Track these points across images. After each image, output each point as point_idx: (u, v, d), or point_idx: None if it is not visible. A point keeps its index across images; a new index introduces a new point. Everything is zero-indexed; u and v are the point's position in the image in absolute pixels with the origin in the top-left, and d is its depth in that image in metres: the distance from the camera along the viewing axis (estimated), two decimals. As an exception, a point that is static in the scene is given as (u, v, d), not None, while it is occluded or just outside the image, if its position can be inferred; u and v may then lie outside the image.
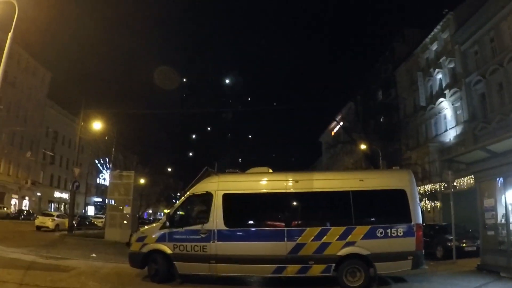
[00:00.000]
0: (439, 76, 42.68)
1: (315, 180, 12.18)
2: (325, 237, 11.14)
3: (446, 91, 40.70)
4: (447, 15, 40.28)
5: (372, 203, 11.81)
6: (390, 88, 53.71)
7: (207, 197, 12.06)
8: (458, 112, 39.10)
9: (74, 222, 33.24)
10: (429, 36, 44.14)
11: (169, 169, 57.50)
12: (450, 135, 39.83)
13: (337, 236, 11.11)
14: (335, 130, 70.09)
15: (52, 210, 60.51)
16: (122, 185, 27.55)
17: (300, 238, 11.20)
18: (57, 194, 71.79)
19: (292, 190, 11.99)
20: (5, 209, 49.74)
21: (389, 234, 11.05)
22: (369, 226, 11.17)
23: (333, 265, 10.97)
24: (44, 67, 65.70)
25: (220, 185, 12.15)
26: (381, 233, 11.05)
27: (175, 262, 11.63)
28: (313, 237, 11.16)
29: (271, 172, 13.14)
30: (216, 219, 11.62)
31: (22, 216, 50.59)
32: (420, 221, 11.46)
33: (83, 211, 69.24)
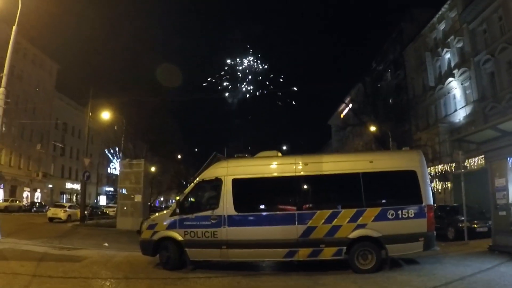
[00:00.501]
0: (448, 55, 42.25)
1: (325, 163, 12.07)
2: (336, 219, 11.07)
3: (455, 71, 40.31)
4: (454, -7, 39.79)
5: (382, 184, 11.70)
6: (398, 69, 53.33)
7: (216, 183, 12.01)
8: (467, 92, 38.73)
9: (86, 213, 33.52)
10: (437, 16, 43.62)
11: (179, 156, 57.50)
12: (460, 115, 39.52)
13: (348, 219, 11.05)
14: (344, 112, 69.76)
15: (64, 201, 61.13)
16: (133, 173, 27.65)
17: (310, 221, 11.14)
18: (68, 185, 72.40)
19: (301, 173, 11.91)
20: (17, 202, 50.20)
21: (400, 216, 10.97)
22: (380, 208, 11.09)
23: (345, 248, 10.92)
24: (51, 59, 65.90)
25: (229, 170, 12.10)
26: (392, 214, 10.97)
27: (186, 249, 11.63)
28: (323, 220, 11.10)
29: (280, 156, 13.08)
30: (226, 204, 11.59)
31: (34, 208, 51.09)
32: (431, 202, 11.36)
33: (95, 201, 69.74)
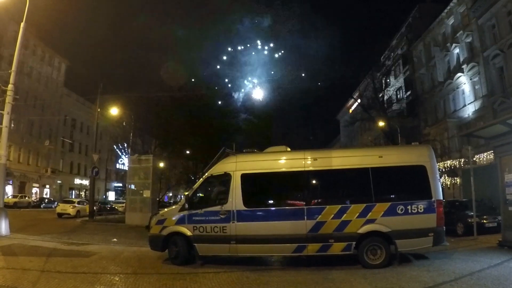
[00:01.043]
0: (457, 50, 42.09)
1: (334, 158, 12.03)
2: (345, 215, 11.05)
3: (464, 66, 40.14)
4: (463, -12, 39.56)
5: (391, 179, 11.66)
6: (407, 64, 53.11)
7: (225, 178, 12.02)
8: (476, 87, 38.57)
9: (94, 208, 33.63)
10: (445, 10, 43.43)
11: (187, 151, 57.40)
12: (469, 110, 39.37)
13: (357, 214, 11.02)
14: (352, 107, 69.53)
15: (73, 197, 61.35)
16: (141, 169, 27.72)
17: (320, 216, 11.13)
18: (77, 181, 72.76)
19: (311, 168, 11.88)
20: (26, 198, 50.48)
21: (409, 211, 10.93)
22: (389, 203, 11.05)
23: (354, 243, 10.90)
24: (60, 56, 66.13)
25: (238, 165, 12.09)
26: (402, 210, 10.93)
27: (195, 244, 11.65)
28: (333, 215, 11.08)
29: (289, 151, 13.04)
30: (235, 200, 11.59)
31: (43, 204, 51.35)
32: (441, 197, 11.30)
33: (104, 196, 70.05)
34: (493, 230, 17.15)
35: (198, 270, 11.05)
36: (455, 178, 39.00)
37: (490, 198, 19.64)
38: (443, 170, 38.25)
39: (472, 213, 17.72)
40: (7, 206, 23.57)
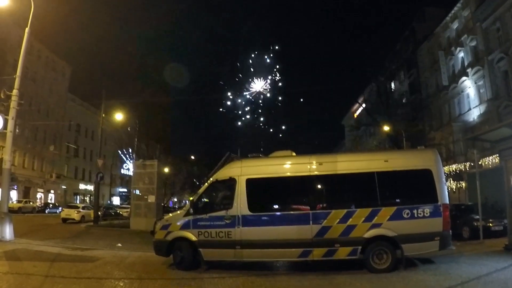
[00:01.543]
0: (461, 54, 42.01)
1: (339, 162, 11.98)
2: (350, 219, 11.00)
3: (469, 70, 40.08)
4: (467, -8, 39.52)
5: (397, 183, 11.62)
6: (411, 68, 53.06)
7: (230, 183, 11.98)
8: (481, 91, 38.49)
9: (99, 213, 33.67)
10: (450, 15, 43.40)
11: (192, 157, 57.61)
12: (474, 114, 39.26)
13: (363, 218, 10.96)
14: (357, 112, 69.48)
15: (78, 202, 61.45)
16: (146, 174, 27.73)
17: (325, 221, 11.07)
18: (82, 186, 72.90)
19: (316, 172, 11.84)
20: (31, 203, 50.56)
21: (415, 215, 10.87)
22: (395, 207, 10.99)
23: (360, 247, 10.84)
24: (64, 61, 66.40)
25: (243, 170, 12.05)
26: (408, 214, 10.88)
27: (200, 249, 11.59)
28: (338, 220, 11.03)
29: (294, 156, 12.99)
30: (240, 204, 11.54)
31: (48, 209, 51.42)
32: (447, 201, 11.24)
33: (108, 201, 70.15)
34: (499, 233, 17.07)
35: (203, 275, 11.02)
36: (461, 182, 38.87)
37: (497, 202, 19.59)
38: (449, 174, 38.11)
39: (478, 217, 17.65)
40: (11, 211, 23.58)
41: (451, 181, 38.89)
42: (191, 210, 11.93)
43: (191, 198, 13.26)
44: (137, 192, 28.13)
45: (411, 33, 53.22)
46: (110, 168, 62.35)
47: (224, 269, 11.73)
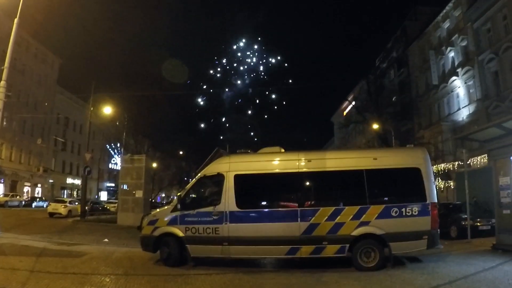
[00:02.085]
0: (452, 54, 42.22)
1: (328, 159, 11.97)
2: (339, 217, 10.98)
3: (459, 70, 40.30)
4: (459, -8, 39.67)
5: (386, 182, 11.62)
6: (402, 67, 53.26)
7: (218, 178, 11.90)
8: (471, 91, 38.72)
9: (86, 208, 33.38)
10: (441, 14, 43.59)
11: (181, 152, 57.41)
12: (463, 113, 39.50)
13: (351, 216, 10.95)
14: (347, 110, 69.70)
15: (65, 196, 60.95)
16: (134, 169, 27.53)
17: (313, 218, 11.04)
18: (69, 180, 72.37)
19: (305, 169, 11.79)
20: (17, 197, 50.06)
21: (403, 213, 10.88)
22: (384, 206, 11.00)
23: (347, 245, 10.83)
24: (53, 54, 65.76)
25: (232, 166, 11.97)
26: (396, 212, 10.88)
27: (187, 245, 11.53)
28: (326, 217, 11.00)
29: (283, 152, 12.94)
30: (228, 201, 11.47)
31: (35, 203, 50.96)
32: (435, 200, 11.27)
33: (96, 196, 69.70)
34: (487, 233, 17.10)
35: (190, 272, 10.93)
36: (449, 181, 39.09)
37: (486, 201, 19.65)
38: (437, 173, 38.30)
39: (465, 216, 17.70)
40: (-3, 205, 23.32)
41: (439, 180, 39.11)
42: (179, 206, 11.86)
43: (178, 194, 13.14)
44: (125, 187, 27.89)
45: (403, 32, 53.43)
46: (98, 162, 61.88)
47: (211, 266, 11.63)
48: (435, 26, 45.26)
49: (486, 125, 16.21)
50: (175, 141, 50.67)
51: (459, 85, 40.52)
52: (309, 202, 11.51)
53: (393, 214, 10.88)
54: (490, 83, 35.52)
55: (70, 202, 36.64)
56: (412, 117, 49.12)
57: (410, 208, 10.89)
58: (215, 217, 11.40)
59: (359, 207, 11.01)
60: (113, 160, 68.62)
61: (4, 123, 39.97)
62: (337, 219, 10.96)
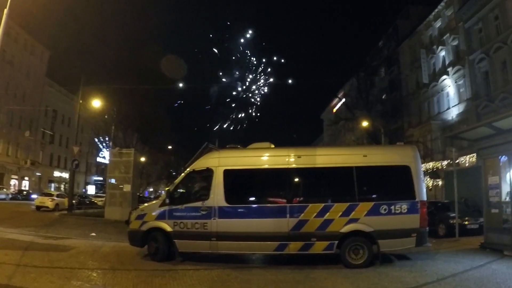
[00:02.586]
0: (442, 53, 42.34)
1: (318, 156, 11.93)
2: (328, 213, 10.95)
3: (449, 69, 40.44)
4: (451, -9, 39.78)
5: (375, 179, 11.63)
6: (392, 65, 53.37)
7: (207, 173, 11.83)
8: (461, 90, 38.90)
9: (74, 202, 33.17)
10: (433, 13, 43.70)
11: (169, 147, 57.25)
12: (453, 112, 39.68)
13: (340, 213, 10.93)
14: (337, 107, 69.79)
15: (52, 189, 60.49)
16: (122, 163, 27.34)
17: (302, 214, 11.01)
18: (57, 174, 71.83)
19: (294, 165, 11.76)
20: (4, 189, 49.64)
21: (392, 211, 10.88)
22: (373, 203, 11.00)
23: (336, 242, 10.81)
24: (43, 45, 65.07)
25: (221, 161, 11.91)
26: (385, 209, 10.88)
27: (175, 240, 11.45)
28: (315, 214, 10.97)
29: (273, 148, 12.86)
30: (217, 196, 11.41)
31: (22, 196, 50.53)
32: (425, 198, 11.30)
33: (83, 190, 69.36)
34: (475, 231, 17.20)
35: (178, 267, 10.88)
36: (437, 180, 39.29)
37: (474, 200, 19.75)
38: (425, 171, 38.45)
39: (453, 215, 17.77)
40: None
41: (428, 179, 39.28)
42: (167, 200, 11.77)
43: (167, 188, 13.04)
44: (113, 181, 27.70)
45: (394, 30, 53.51)
46: (86, 156, 61.48)
47: (199, 261, 11.59)
48: (427, 25, 45.36)
49: (476, 124, 16.29)
50: (164, 135, 50.50)
51: (449, 84, 40.67)
52: (298, 198, 11.45)
53: (382, 211, 10.87)
54: (480, 83, 35.69)
55: (57, 196, 36.43)
56: (401, 115, 49.27)
57: (399, 206, 10.90)
58: (203, 212, 11.33)
59: (348, 204, 11.00)
60: (101, 154, 68.15)
61: (-8, 114, 39.61)
62: (326, 216, 10.94)
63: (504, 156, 13.05)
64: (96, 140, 52.61)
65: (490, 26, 34.36)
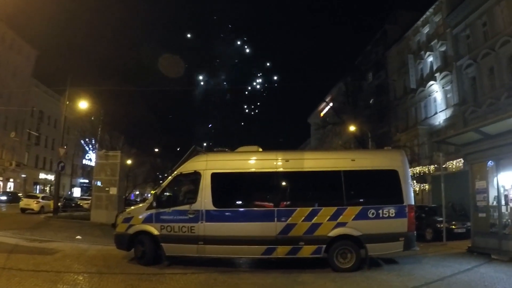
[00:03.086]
0: (430, 59, 42.65)
1: (306, 160, 11.93)
2: (315, 217, 10.94)
3: (437, 74, 40.75)
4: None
5: (363, 183, 11.65)
6: (380, 70, 53.65)
7: (195, 177, 11.76)
8: (448, 96, 39.20)
9: (59, 204, 32.81)
10: (421, 19, 44.02)
11: (156, 150, 56.94)
12: (440, 118, 39.96)
13: (328, 217, 10.93)
14: (324, 111, 69.94)
15: (38, 192, 59.85)
16: (108, 165, 27.09)
17: (290, 218, 10.98)
18: (42, 176, 71.04)
19: (282, 169, 11.73)
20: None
21: (380, 215, 10.92)
22: (361, 207, 11.02)
23: (324, 246, 10.80)
24: (30, 45, 64.42)
25: (209, 164, 11.84)
26: (373, 214, 10.92)
27: (162, 244, 11.34)
28: (303, 218, 10.95)
29: (260, 151, 12.81)
30: (204, 199, 11.34)
31: (6, 198, 49.90)
32: (412, 202, 11.38)
33: (69, 192, 68.60)
34: (462, 236, 17.35)
35: (165, 271, 10.77)
36: (424, 184, 39.53)
37: (462, 204, 19.90)
38: (413, 176, 38.62)
39: (441, 219, 17.87)
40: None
41: (415, 183, 39.49)
42: (154, 204, 11.70)
43: (154, 191, 12.94)
44: (99, 183, 27.45)
45: (383, 35, 53.80)
46: (72, 157, 60.93)
47: (186, 265, 11.48)
48: (415, 30, 45.68)
49: (464, 129, 16.42)
50: (151, 138, 50.26)
51: (436, 90, 40.97)
52: (286, 202, 11.44)
53: (370, 215, 10.90)
54: (468, 89, 36.01)
55: (42, 198, 36.10)
56: (389, 120, 49.49)
57: (387, 210, 10.94)
58: (191, 216, 11.25)
59: (336, 208, 11.00)
60: (88, 156, 67.71)
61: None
62: (314, 220, 10.93)
63: (491, 161, 13.17)
64: (82, 142, 52.22)
65: (478, 32, 34.69)
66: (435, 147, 36.17)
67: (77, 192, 75.81)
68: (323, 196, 11.69)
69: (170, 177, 12.66)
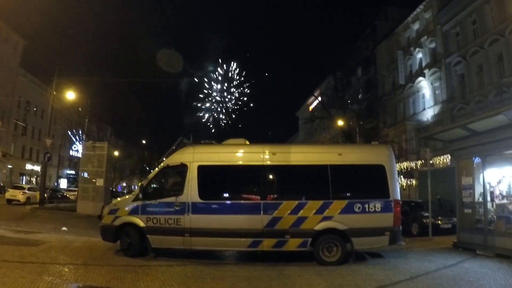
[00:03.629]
0: (419, 55, 42.88)
1: (293, 153, 11.93)
2: (302, 211, 10.96)
3: (426, 71, 40.95)
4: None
5: (350, 177, 11.69)
6: (370, 65, 53.81)
7: (181, 169, 11.71)
8: (436, 92, 39.43)
9: (45, 195, 32.56)
10: (412, 15, 44.19)
11: (143, 141, 56.76)
12: (428, 114, 40.19)
13: (314, 211, 10.95)
14: (313, 105, 70.03)
15: (24, 183, 59.37)
16: (95, 156, 26.93)
17: (276, 211, 10.99)
18: (28, 167, 70.41)
19: (269, 162, 11.72)
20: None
21: (366, 209, 10.97)
22: (347, 201, 11.05)
23: (310, 239, 10.83)
24: (17, 35, 63.63)
25: (195, 156, 11.80)
26: (359, 208, 10.96)
27: (148, 236, 11.29)
28: (289, 211, 10.97)
29: (247, 144, 12.76)
30: (191, 191, 11.30)
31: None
32: (398, 197, 11.42)
33: (55, 184, 68.15)
34: (448, 231, 17.51)
35: (151, 263, 10.73)
36: (411, 180, 39.79)
37: (449, 200, 20.02)
38: (400, 171, 38.90)
39: (427, 214, 17.97)
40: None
41: (402, 178, 39.77)
42: (140, 195, 11.65)
43: (140, 183, 12.88)
44: (85, 174, 27.31)
45: (372, 30, 53.94)
46: (58, 148, 60.44)
47: (172, 257, 11.46)
48: (405, 26, 45.87)
49: (451, 126, 16.48)
50: (139, 129, 50.09)
51: (425, 86, 41.22)
52: (272, 195, 11.43)
53: (356, 209, 10.94)
54: (456, 86, 36.29)
55: (29, 189, 35.84)
56: (377, 115, 49.76)
57: (373, 205, 10.99)
58: (177, 208, 11.22)
59: (322, 201, 11.03)
60: (74, 147, 67.19)
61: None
62: (300, 213, 10.95)
63: (477, 158, 13.24)
64: (69, 132, 51.83)
65: (467, 30, 34.93)
66: (423, 142, 36.42)
67: (63, 183, 75.41)
68: (310, 189, 11.66)
69: (156, 169, 12.63)
